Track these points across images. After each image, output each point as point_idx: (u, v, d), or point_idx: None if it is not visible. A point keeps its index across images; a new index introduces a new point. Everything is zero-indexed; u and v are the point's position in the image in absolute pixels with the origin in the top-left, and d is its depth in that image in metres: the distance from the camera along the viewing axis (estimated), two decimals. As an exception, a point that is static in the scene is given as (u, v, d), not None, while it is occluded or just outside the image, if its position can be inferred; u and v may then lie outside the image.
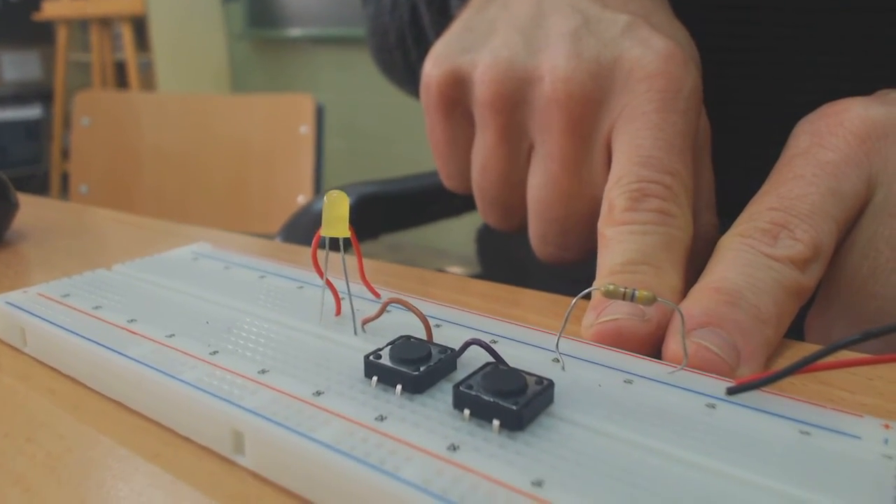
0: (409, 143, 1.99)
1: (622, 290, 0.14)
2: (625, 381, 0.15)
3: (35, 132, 2.65)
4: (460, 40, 0.26)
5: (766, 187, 0.21)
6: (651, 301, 0.14)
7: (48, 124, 2.50)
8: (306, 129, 0.92)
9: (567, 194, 0.24)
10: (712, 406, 0.14)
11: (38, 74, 2.80)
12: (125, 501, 0.13)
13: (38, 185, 2.46)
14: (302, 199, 0.91)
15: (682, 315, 0.15)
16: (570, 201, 0.24)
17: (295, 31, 2.22)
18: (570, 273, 0.40)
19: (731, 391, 0.14)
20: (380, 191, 0.56)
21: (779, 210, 0.19)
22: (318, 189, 0.92)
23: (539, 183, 0.24)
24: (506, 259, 0.47)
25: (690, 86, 0.22)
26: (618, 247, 0.20)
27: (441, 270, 0.53)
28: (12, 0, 2.69)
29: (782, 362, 0.19)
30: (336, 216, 0.17)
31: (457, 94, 0.26)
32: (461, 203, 0.64)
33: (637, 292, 0.14)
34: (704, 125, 0.25)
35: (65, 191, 2.14)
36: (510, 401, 0.13)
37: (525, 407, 0.13)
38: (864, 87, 0.23)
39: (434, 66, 0.26)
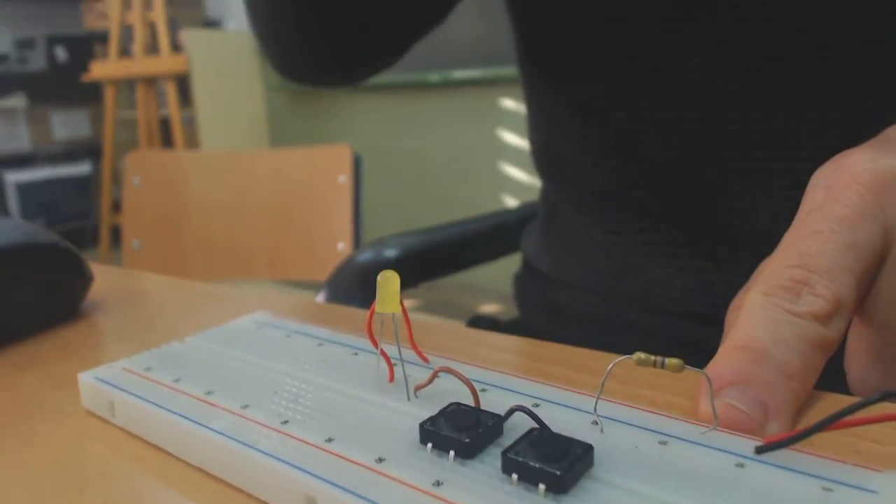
0: (443, 186, 2.02)
1: (652, 358, 0.16)
2: (659, 443, 0.16)
3: (85, 187, 2.76)
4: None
5: (785, 243, 0.22)
6: (679, 368, 0.16)
7: (97, 179, 2.60)
8: (344, 179, 0.95)
9: None
10: (741, 465, 0.15)
11: (86, 132, 2.93)
12: (216, 563, 0.15)
13: (89, 239, 2.55)
14: (342, 247, 0.93)
15: (708, 379, 0.16)
16: None
17: (329, 80, 2.29)
18: (604, 318, 0.41)
19: (759, 450, 0.15)
20: (419, 242, 0.58)
21: (798, 267, 0.20)
22: (357, 235, 0.95)
23: None
24: (544, 303, 0.48)
25: None
26: None
27: (478, 316, 0.54)
28: (62, 62, 2.83)
29: (814, 414, 0.20)
30: (389, 294, 0.19)
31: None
32: (497, 249, 0.66)
33: (667, 361, 0.16)
34: None
35: (115, 243, 2.23)
36: (554, 466, 0.15)
37: (568, 472, 0.14)
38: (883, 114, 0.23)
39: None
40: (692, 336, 0.37)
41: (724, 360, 0.19)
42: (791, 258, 0.21)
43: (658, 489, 0.14)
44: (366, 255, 0.56)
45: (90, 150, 2.78)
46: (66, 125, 2.90)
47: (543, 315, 0.47)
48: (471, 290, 1.90)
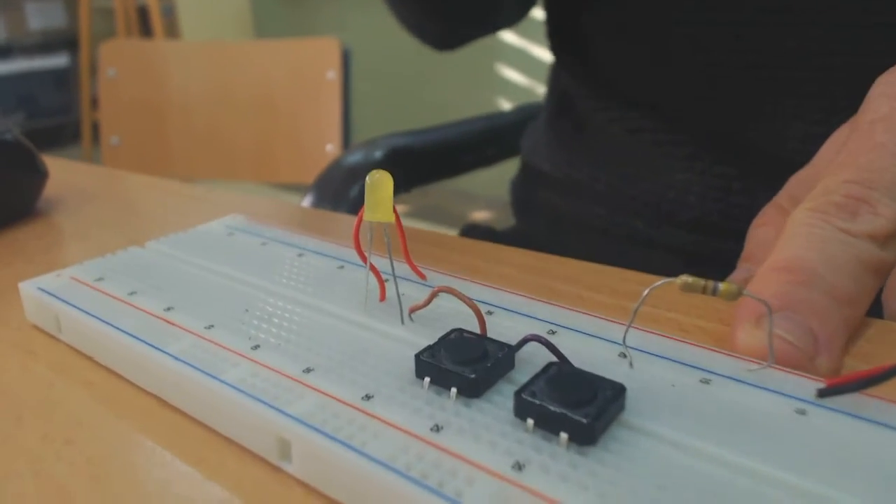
0: (437, 88, 1.94)
1: (702, 282, 0.13)
2: (701, 381, 0.14)
3: (63, 81, 2.64)
4: None
5: (842, 157, 0.19)
6: (736, 295, 0.13)
7: (75, 72, 2.49)
8: (333, 75, 0.90)
9: None
10: (802, 412, 0.13)
11: (62, 22, 2.78)
12: (171, 514, 0.13)
13: (70, 135, 2.47)
14: (330, 148, 0.89)
15: (769, 307, 0.13)
16: None
17: (317, -31, 2.15)
18: (608, 227, 0.38)
19: (823, 393, 0.13)
20: (411, 143, 0.54)
21: (857, 183, 0.18)
22: (347, 136, 0.90)
23: None
24: (543, 210, 0.45)
25: None
26: None
27: (472, 225, 0.51)
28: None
29: (863, 344, 0.18)
30: (380, 199, 0.16)
31: None
32: (493, 152, 0.62)
33: (720, 286, 0.13)
34: None
35: (96, 140, 2.15)
36: (580, 412, 0.12)
37: (596, 419, 0.12)
38: None
39: None
40: (701, 249, 0.35)
41: (765, 283, 0.17)
42: (848, 172, 0.18)
43: (705, 441, 0.12)
44: (355, 157, 0.52)
45: (66, 40, 2.64)
46: (40, 14, 2.74)
47: (542, 222, 0.44)
48: (462, 196, 1.86)
